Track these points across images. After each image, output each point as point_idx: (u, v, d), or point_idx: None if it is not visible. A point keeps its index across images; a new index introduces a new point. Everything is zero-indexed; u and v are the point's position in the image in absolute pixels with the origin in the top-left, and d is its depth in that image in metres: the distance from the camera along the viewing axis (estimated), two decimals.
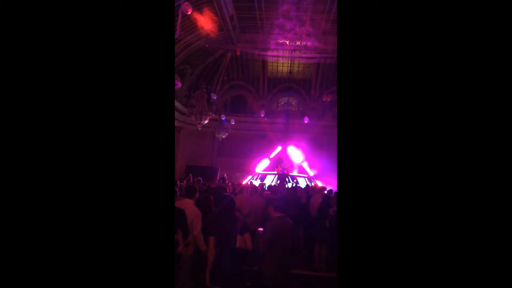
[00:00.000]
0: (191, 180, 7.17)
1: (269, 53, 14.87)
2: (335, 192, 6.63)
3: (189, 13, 7.85)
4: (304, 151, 14.57)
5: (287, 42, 13.78)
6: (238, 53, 14.51)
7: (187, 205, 3.00)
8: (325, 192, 6.42)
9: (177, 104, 13.39)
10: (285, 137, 14.89)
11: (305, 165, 14.52)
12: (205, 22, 10.97)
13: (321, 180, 13.57)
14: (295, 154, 14.46)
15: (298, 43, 13.69)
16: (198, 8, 10.41)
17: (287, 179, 12.15)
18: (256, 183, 11.31)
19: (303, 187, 9.34)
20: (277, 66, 16.17)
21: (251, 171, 13.93)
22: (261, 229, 3.03)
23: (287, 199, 5.30)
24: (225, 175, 11.46)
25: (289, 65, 15.91)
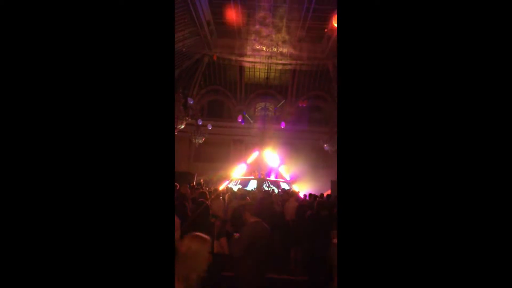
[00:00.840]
0: None
1: (246, 58, 14.97)
2: (312, 196, 6.74)
3: None
4: (280, 156, 14.71)
5: (264, 48, 13.94)
6: (215, 58, 14.50)
7: None
8: (302, 196, 6.51)
9: None
10: (262, 142, 14.97)
11: (282, 170, 14.65)
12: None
13: (297, 184, 13.74)
14: (272, 158, 14.57)
15: (274, 49, 13.87)
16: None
17: (264, 184, 12.19)
18: (234, 188, 11.27)
19: (277, 192, 9.42)
20: (254, 71, 16.29)
21: (228, 176, 13.87)
22: (237, 234, 3.03)
23: (262, 204, 5.32)
24: (201, 180, 11.35)
25: (266, 71, 16.07)
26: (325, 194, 9.12)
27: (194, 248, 1.48)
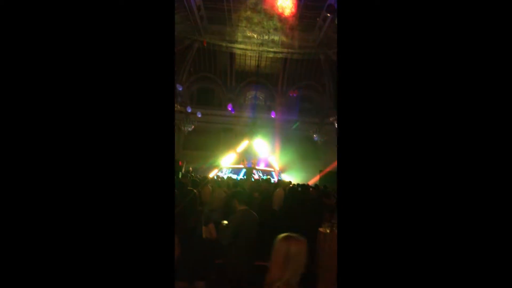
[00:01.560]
0: None
1: (237, 45, 14.76)
2: (300, 185, 6.77)
3: None
4: (270, 145, 14.71)
5: (255, 36, 13.74)
6: (205, 44, 14.23)
7: None
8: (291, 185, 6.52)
9: None
10: (252, 131, 14.92)
11: (272, 159, 14.68)
12: None
13: (287, 174, 13.80)
14: (262, 148, 14.56)
15: (265, 37, 13.69)
16: None
17: (253, 173, 12.20)
18: (224, 176, 11.25)
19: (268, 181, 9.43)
20: (245, 59, 16.09)
21: (217, 165, 13.82)
22: (225, 222, 3.01)
23: (251, 192, 5.31)
24: (190, 168, 11.27)
25: (257, 59, 15.89)
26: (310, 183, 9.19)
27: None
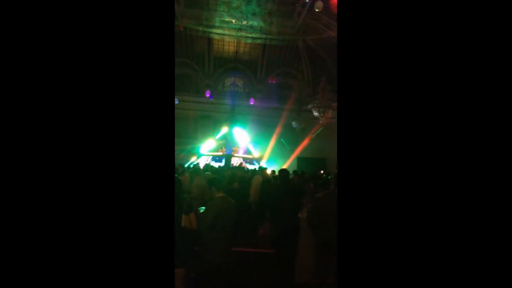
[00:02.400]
0: None
1: (215, 30, 14.44)
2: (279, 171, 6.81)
3: None
4: (249, 133, 14.69)
5: (233, 21, 13.48)
6: (181, 28, 13.81)
7: None
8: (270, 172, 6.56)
9: None
10: (231, 118, 14.80)
11: (251, 147, 14.69)
12: None
13: (266, 161, 13.88)
14: (241, 135, 14.51)
15: (244, 22, 13.46)
16: None
17: (232, 160, 12.18)
18: (202, 163, 11.16)
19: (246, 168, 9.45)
20: (223, 45, 15.81)
21: (195, 153, 13.67)
22: (203, 208, 2.99)
23: (230, 179, 5.30)
24: None
25: (235, 44, 15.65)
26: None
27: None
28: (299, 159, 14.65)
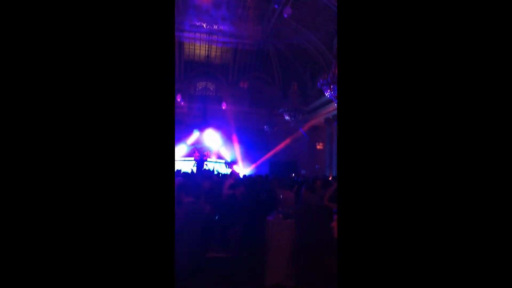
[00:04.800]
0: None
1: (185, 34, 14.29)
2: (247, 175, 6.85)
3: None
4: (221, 137, 14.63)
5: (204, 25, 13.42)
6: None
7: None
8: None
9: None
10: (203, 122, 14.68)
11: (223, 151, 14.63)
12: None
13: (238, 165, 13.88)
14: (213, 139, 14.42)
15: (215, 26, 13.45)
16: None
17: (204, 165, 12.06)
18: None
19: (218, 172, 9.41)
20: (194, 49, 15.67)
21: None
22: None
23: (202, 184, 5.27)
24: None
25: (206, 48, 15.57)
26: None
27: None
28: (271, 163, 14.80)
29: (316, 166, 14.82)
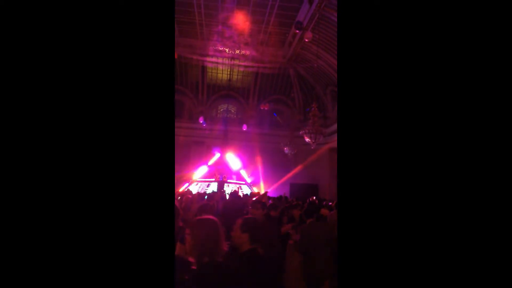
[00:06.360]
0: None
1: (208, 59, 14.83)
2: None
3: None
4: (242, 158, 14.72)
5: (226, 50, 13.91)
6: (176, 57, 14.17)
7: None
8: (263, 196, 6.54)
9: None
10: (223, 144, 14.88)
11: (243, 172, 14.67)
12: None
13: (259, 187, 13.83)
14: (234, 161, 14.53)
15: (237, 51, 13.90)
16: None
17: (225, 186, 12.10)
18: (194, 190, 11.06)
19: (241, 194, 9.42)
20: (217, 73, 16.17)
21: (188, 178, 13.58)
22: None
23: (227, 205, 5.29)
24: None
25: (228, 72, 16.03)
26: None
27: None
28: (292, 185, 14.64)
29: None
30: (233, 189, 11.91)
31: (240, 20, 11.42)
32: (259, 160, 14.83)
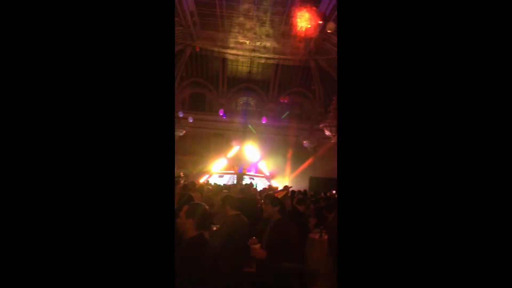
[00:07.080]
0: None
1: (229, 51, 14.82)
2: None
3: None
4: (261, 151, 14.72)
5: (247, 42, 13.83)
6: (198, 49, 14.25)
7: None
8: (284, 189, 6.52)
9: None
10: (243, 137, 14.91)
11: (261, 165, 14.68)
12: None
13: (277, 180, 13.81)
14: (252, 153, 14.56)
15: (258, 43, 13.79)
16: None
17: (244, 178, 12.18)
18: (213, 182, 11.19)
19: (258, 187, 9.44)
20: (237, 65, 16.16)
21: (208, 170, 13.75)
22: (215, 227, 2.99)
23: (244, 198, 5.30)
24: (181, 173, 11.18)
25: (248, 64, 15.98)
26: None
27: None
28: (311, 178, 14.53)
29: None
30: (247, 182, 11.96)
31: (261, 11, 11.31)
32: (278, 153, 14.78)
